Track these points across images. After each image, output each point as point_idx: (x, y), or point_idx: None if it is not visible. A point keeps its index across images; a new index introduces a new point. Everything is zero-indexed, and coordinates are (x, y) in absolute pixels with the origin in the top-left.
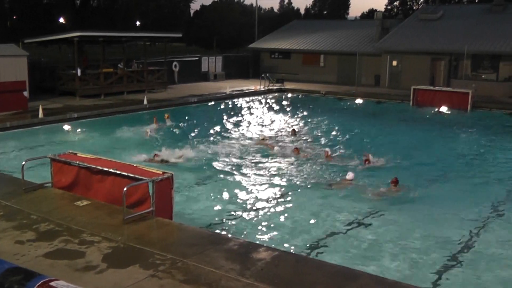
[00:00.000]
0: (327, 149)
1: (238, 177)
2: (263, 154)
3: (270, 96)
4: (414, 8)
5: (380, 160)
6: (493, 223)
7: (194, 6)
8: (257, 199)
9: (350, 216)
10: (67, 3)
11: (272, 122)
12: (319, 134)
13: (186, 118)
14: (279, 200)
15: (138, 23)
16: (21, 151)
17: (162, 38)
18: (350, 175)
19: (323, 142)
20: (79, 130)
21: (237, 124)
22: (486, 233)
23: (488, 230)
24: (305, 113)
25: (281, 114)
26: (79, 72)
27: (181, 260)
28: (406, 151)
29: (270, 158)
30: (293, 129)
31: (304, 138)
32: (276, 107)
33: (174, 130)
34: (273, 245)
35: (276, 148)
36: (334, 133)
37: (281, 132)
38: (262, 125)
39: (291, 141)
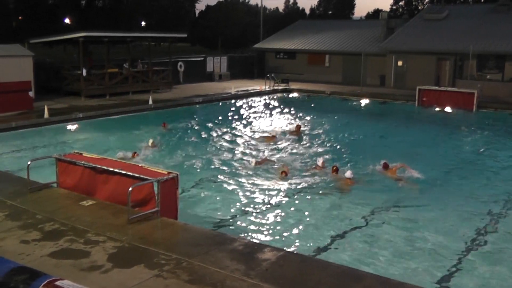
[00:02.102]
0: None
1: (243, 178)
2: (269, 155)
3: (275, 96)
4: (419, 8)
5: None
6: (500, 223)
7: (199, 6)
8: (262, 200)
9: (353, 215)
10: (72, 4)
11: (277, 122)
12: (323, 135)
13: (191, 118)
14: (283, 200)
15: (142, 23)
16: (26, 151)
17: (166, 38)
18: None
19: (326, 143)
20: (84, 130)
21: (242, 125)
22: (493, 233)
23: (495, 229)
24: (310, 113)
25: (286, 114)
26: (84, 72)
27: (186, 260)
28: (412, 152)
29: (276, 159)
30: (298, 125)
31: (308, 139)
32: (281, 107)
33: (178, 132)
34: (279, 246)
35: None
36: (338, 133)
37: (286, 132)
38: (268, 125)
39: (295, 139)
